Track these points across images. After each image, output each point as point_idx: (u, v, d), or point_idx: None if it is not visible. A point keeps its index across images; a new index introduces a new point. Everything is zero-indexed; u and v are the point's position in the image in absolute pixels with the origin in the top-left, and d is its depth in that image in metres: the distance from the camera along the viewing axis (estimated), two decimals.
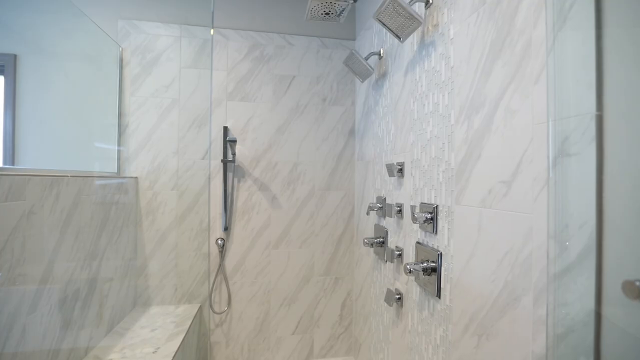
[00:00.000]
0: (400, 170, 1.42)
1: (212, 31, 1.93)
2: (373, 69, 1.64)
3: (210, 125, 2.04)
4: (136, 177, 1.95)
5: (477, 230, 0.92)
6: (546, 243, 0.68)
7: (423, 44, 1.25)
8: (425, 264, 1.15)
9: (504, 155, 0.83)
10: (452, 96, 1.06)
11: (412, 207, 1.30)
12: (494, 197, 0.85)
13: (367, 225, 1.92)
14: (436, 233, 1.14)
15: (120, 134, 1.93)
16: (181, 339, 1.59)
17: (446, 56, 1.09)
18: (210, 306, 2.01)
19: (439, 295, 1.11)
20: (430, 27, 1.20)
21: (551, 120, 0.67)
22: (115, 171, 1.90)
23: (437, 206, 1.14)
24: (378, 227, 1.71)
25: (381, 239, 1.63)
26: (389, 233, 1.58)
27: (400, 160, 1.44)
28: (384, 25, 1.25)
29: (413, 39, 1.33)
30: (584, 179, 0.60)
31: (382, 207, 1.64)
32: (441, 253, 1.11)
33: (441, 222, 1.11)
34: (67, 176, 1.28)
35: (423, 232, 1.24)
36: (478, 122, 0.93)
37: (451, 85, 1.06)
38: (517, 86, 0.78)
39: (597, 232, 0.57)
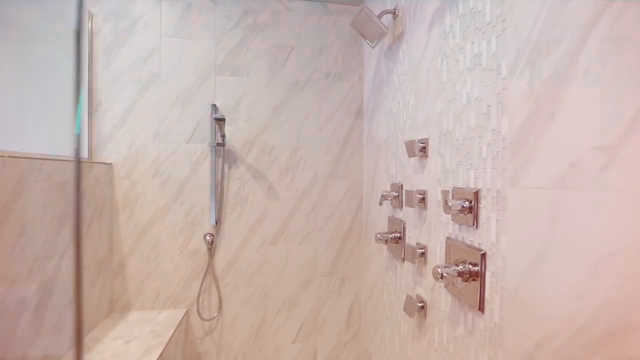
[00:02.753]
0: (424, 149, 1.14)
1: None
2: (387, 29, 1.35)
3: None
4: (110, 164, 1.68)
5: (550, 221, 0.64)
6: None
7: None
8: (462, 267, 0.88)
9: (601, 108, 0.55)
10: (504, 40, 0.77)
11: (445, 193, 1.02)
12: (582, 172, 0.58)
13: (379, 218, 1.65)
14: (477, 226, 0.87)
15: (91, 113, 1.67)
16: (159, 353, 1.33)
17: None
18: (198, 312, 1.75)
19: (481, 308, 0.84)
20: None
21: None
22: (86, 156, 1.64)
23: (478, 191, 0.86)
24: (393, 220, 1.43)
25: (397, 234, 1.35)
26: (407, 227, 1.31)
27: (424, 136, 1.16)
28: None
29: None
30: None
31: (398, 195, 1.36)
32: (485, 253, 0.83)
33: (485, 212, 0.84)
34: (4, 156, 1.01)
35: (457, 225, 0.96)
36: (549, 67, 0.64)
37: (502, 25, 0.78)
38: None
39: None
